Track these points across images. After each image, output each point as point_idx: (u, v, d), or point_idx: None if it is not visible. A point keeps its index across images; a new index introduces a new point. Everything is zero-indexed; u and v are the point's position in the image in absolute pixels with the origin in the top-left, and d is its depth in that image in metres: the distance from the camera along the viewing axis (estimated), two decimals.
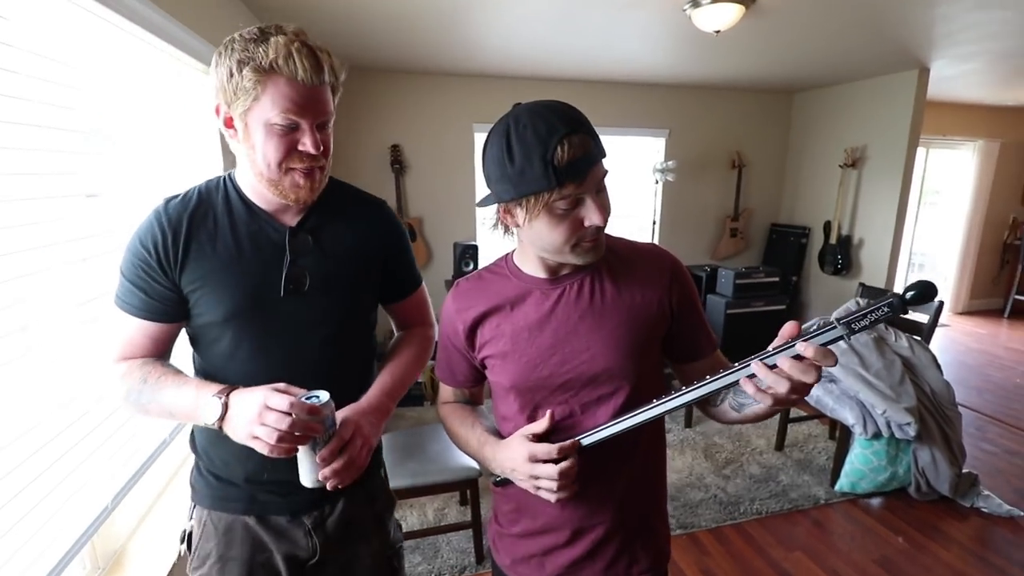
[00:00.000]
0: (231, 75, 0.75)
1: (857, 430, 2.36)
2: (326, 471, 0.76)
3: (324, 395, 0.76)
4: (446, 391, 1.00)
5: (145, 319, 0.85)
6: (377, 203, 1.02)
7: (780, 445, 2.85)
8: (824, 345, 0.61)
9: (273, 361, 0.88)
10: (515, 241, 0.88)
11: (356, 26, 2.72)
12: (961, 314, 5.69)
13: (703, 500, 2.43)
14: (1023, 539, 2.15)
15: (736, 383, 0.69)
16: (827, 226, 4.30)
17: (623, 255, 0.88)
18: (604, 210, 0.75)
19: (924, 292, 0.56)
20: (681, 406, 0.74)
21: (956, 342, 4.79)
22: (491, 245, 4.27)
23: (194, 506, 0.97)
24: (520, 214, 0.76)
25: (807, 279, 4.64)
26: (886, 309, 0.57)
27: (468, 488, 1.95)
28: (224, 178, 0.90)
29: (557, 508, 0.85)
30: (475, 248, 3.73)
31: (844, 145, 4.14)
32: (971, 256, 5.61)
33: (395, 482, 1.86)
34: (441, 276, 3.86)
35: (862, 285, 2.90)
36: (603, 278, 0.85)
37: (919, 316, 2.64)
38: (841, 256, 4.18)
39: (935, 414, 2.37)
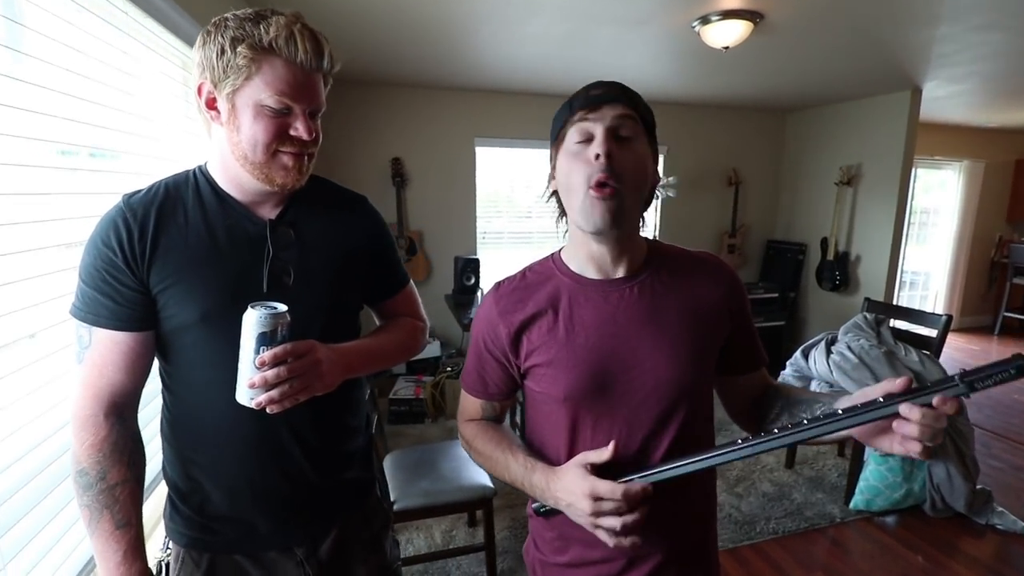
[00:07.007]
0: (222, 52, 0.71)
1: None
2: (256, 379, 0.70)
3: (281, 307, 0.73)
4: (470, 407, 0.91)
5: (115, 329, 0.76)
6: (359, 198, 0.97)
7: (790, 463, 2.81)
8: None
9: None
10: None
11: (356, 37, 2.70)
12: (953, 331, 5.76)
13: (719, 519, 2.36)
14: None
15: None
16: (824, 243, 4.35)
17: (680, 261, 0.84)
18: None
19: None
20: (778, 447, 0.67)
21: (950, 358, 4.83)
22: (492, 260, 4.24)
23: (168, 540, 0.89)
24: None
25: (805, 295, 4.66)
26: (1013, 371, 0.55)
27: (483, 508, 1.87)
28: (194, 171, 0.84)
29: None
30: (476, 262, 3.68)
31: (839, 163, 4.20)
32: (960, 274, 5.71)
33: (406, 502, 1.78)
34: (441, 291, 3.80)
35: (867, 300, 2.91)
36: (662, 282, 0.80)
37: (928, 331, 2.65)
38: (839, 272, 4.21)
39: (948, 428, 2.36)
